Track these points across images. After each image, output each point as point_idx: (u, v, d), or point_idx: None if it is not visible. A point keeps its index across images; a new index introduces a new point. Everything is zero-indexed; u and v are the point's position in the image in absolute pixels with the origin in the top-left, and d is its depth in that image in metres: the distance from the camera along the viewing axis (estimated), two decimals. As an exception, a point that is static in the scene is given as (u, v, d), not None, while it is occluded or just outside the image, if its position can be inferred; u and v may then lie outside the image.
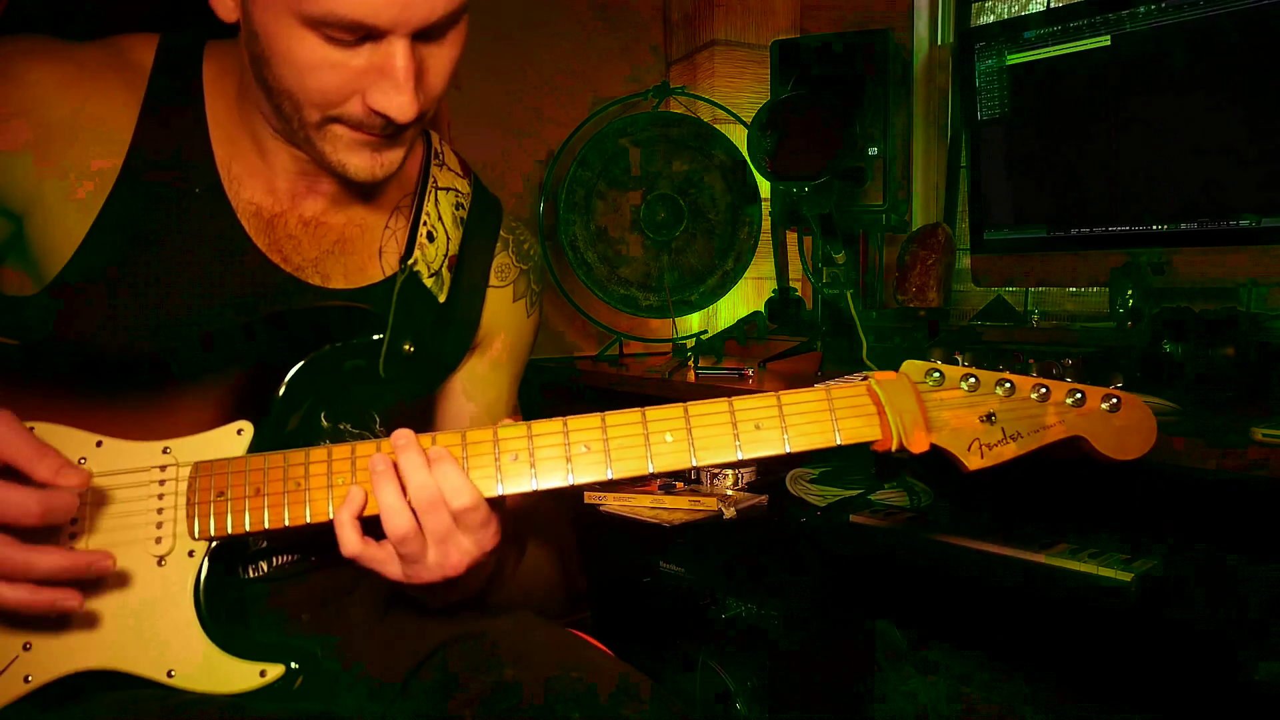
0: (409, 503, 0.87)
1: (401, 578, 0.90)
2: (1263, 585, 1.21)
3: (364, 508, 0.88)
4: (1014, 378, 0.91)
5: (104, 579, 0.89)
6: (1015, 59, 1.85)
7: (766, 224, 2.41)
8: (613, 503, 1.84)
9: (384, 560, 0.89)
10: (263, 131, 1.02)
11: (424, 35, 0.91)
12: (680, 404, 0.91)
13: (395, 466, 0.88)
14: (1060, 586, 1.31)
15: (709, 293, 2.49)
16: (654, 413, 0.90)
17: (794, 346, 2.14)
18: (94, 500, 0.91)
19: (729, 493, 1.85)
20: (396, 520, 0.87)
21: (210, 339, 0.99)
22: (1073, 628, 1.31)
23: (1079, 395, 0.91)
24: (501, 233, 1.21)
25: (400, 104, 0.91)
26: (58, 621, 0.88)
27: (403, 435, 0.89)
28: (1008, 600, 1.36)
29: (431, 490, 0.87)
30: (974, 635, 1.51)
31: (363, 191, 1.09)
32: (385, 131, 0.95)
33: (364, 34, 0.88)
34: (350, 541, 0.88)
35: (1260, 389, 1.41)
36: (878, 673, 1.65)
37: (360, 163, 0.97)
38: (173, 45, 1.04)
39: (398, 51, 0.89)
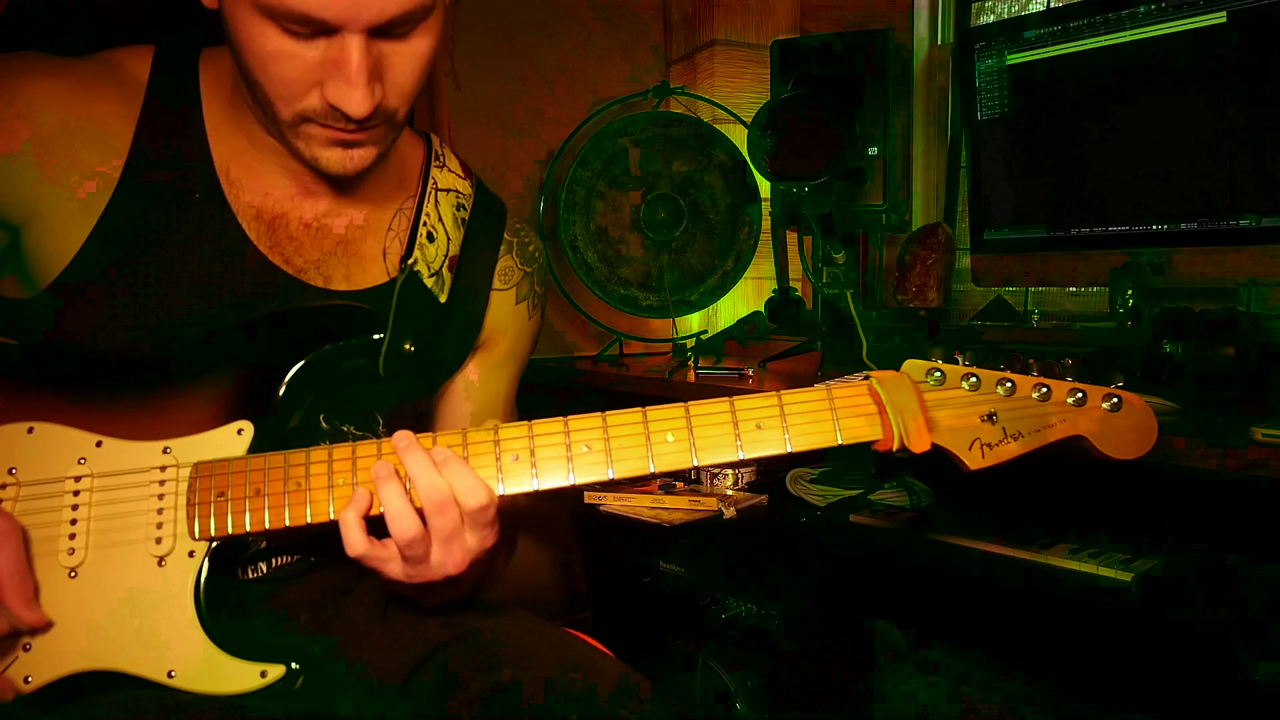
0: (416, 504, 0.87)
1: (402, 577, 0.90)
2: (1263, 585, 1.21)
3: (370, 508, 0.88)
4: (1015, 377, 0.91)
5: (106, 580, 0.89)
6: (1015, 59, 1.85)
7: (766, 224, 2.41)
8: (613, 503, 1.84)
9: (387, 560, 0.89)
10: (257, 133, 1.02)
11: (381, 32, 0.91)
12: (681, 404, 0.91)
13: (397, 471, 0.88)
14: (1060, 586, 1.31)
15: (709, 293, 2.49)
16: (655, 412, 0.90)
17: (794, 346, 2.14)
18: (95, 501, 0.91)
19: (729, 493, 1.85)
20: (403, 523, 0.87)
21: (210, 338, 0.99)
22: (1073, 628, 1.31)
23: (1080, 395, 0.91)
24: (506, 235, 1.21)
25: (354, 99, 0.91)
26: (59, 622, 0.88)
27: (404, 437, 0.89)
28: (1008, 600, 1.36)
29: (442, 491, 0.87)
30: (974, 635, 1.51)
31: (360, 193, 1.09)
32: (349, 128, 0.95)
33: (317, 28, 0.88)
34: (356, 541, 0.88)
35: (1260, 389, 1.41)
36: (878, 673, 1.65)
37: (332, 157, 0.97)
38: (169, 54, 1.05)
39: (351, 47, 0.89)
